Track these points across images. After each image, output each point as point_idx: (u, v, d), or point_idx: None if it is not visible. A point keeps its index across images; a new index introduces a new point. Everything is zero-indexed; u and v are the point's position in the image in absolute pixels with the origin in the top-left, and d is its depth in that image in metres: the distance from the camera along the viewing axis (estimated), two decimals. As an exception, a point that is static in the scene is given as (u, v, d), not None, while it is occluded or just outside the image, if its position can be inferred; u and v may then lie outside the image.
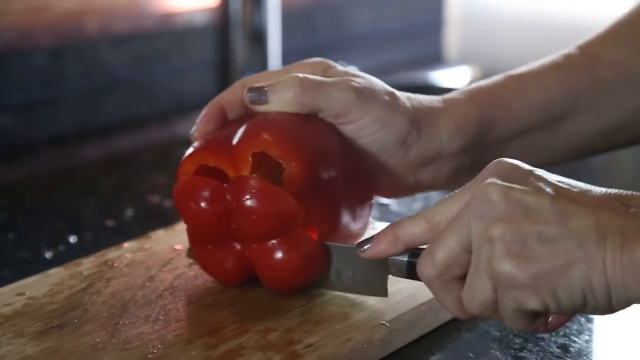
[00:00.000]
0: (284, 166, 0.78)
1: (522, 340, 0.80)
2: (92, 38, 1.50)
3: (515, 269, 0.66)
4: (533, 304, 0.67)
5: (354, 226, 0.83)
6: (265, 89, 0.81)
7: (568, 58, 0.90)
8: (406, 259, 0.75)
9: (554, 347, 0.79)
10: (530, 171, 0.69)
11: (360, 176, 0.84)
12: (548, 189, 0.67)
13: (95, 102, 1.52)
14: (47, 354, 0.73)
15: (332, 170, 0.81)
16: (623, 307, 0.67)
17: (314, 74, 0.83)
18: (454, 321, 0.83)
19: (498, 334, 0.81)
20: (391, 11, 2.05)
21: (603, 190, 0.68)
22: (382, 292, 0.79)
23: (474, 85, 0.89)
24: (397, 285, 0.83)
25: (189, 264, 0.87)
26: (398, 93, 0.84)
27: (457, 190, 0.72)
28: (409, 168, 0.85)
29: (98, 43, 1.51)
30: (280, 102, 0.81)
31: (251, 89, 0.82)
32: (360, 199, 0.84)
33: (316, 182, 0.79)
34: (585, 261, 0.65)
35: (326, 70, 0.85)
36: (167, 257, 0.89)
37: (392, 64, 1.93)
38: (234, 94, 0.84)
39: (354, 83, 0.82)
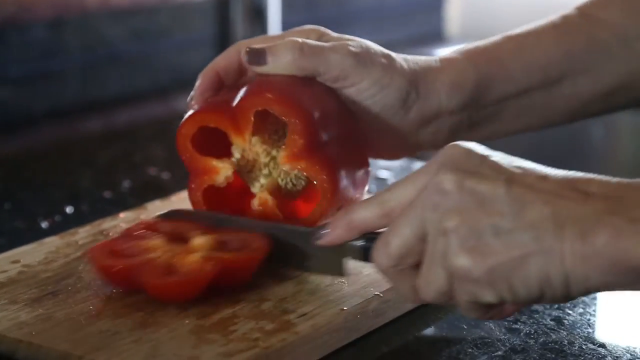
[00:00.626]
0: (287, 124, 0.79)
1: (515, 312, 0.80)
2: (92, 11, 1.49)
3: (470, 263, 0.65)
4: (489, 297, 0.66)
5: (352, 191, 0.83)
6: (265, 51, 0.81)
7: (566, 19, 0.90)
8: (362, 244, 0.74)
9: (548, 320, 0.79)
10: (485, 157, 0.67)
11: (358, 141, 0.84)
12: (503, 176, 0.66)
13: (95, 76, 1.51)
14: (40, 320, 0.73)
15: (332, 131, 0.81)
16: (581, 296, 0.66)
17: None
18: (448, 293, 0.83)
19: (492, 306, 0.81)
20: (392, -12, 2.04)
21: (561, 174, 0.66)
22: (342, 273, 0.77)
23: (471, 44, 0.89)
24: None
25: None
26: (394, 55, 0.85)
27: (409, 175, 0.70)
28: (410, 128, 0.86)
29: (98, 16, 1.50)
30: (279, 64, 0.81)
31: (250, 51, 0.82)
32: (358, 164, 0.84)
33: (318, 141, 0.80)
34: (542, 254, 0.64)
35: (321, 37, 0.85)
36: (162, 227, 0.89)
37: (393, 42, 1.92)
38: (229, 59, 0.84)
39: (351, 47, 0.82)
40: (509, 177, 0.66)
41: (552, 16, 0.90)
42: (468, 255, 0.65)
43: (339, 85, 0.83)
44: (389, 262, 0.69)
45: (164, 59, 1.60)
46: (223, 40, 1.67)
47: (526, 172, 0.66)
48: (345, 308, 0.75)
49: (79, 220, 0.94)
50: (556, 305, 0.81)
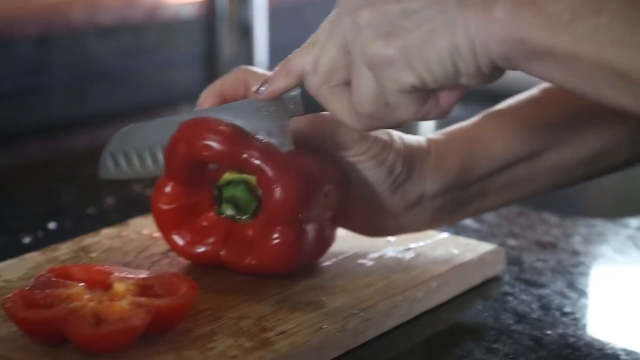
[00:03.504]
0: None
1: (496, 332, 0.81)
2: (78, 28, 1.50)
3: (384, 46, 0.68)
4: (409, 78, 0.68)
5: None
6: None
7: (545, 92, 0.89)
8: (299, 90, 0.76)
9: (527, 340, 0.80)
10: None
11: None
12: None
13: (81, 93, 1.52)
14: (20, 336, 0.72)
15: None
16: (492, 72, 0.68)
17: None
18: (428, 313, 0.83)
19: (473, 326, 0.82)
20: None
21: None
22: (288, 143, 0.79)
23: (455, 126, 0.88)
24: (371, 276, 0.84)
25: (165, 251, 0.88)
26: (392, 131, 0.84)
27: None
28: (393, 209, 0.85)
29: (85, 34, 1.51)
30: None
31: None
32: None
33: None
34: (447, 24, 0.67)
35: None
36: (144, 244, 0.90)
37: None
38: (235, 81, 0.83)
39: None
40: None
41: (532, 90, 0.90)
42: (381, 40, 0.68)
43: (340, 154, 0.82)
44: (320, 79, 0.72)
45: (150, 76, 1.60)
46: (209, 59, 1.68)
47: None
48: (324, 326, 0.76)
49: (61, 236, 0.94)
50: (536, 326, 0.82)
